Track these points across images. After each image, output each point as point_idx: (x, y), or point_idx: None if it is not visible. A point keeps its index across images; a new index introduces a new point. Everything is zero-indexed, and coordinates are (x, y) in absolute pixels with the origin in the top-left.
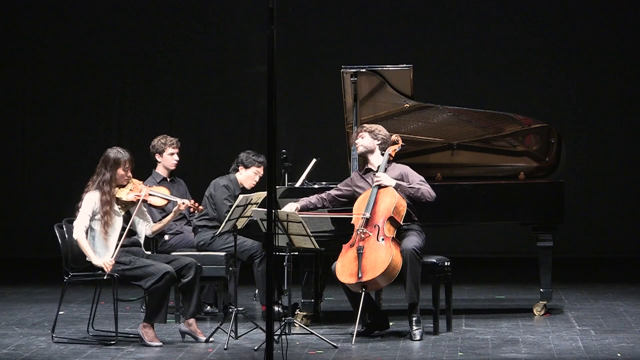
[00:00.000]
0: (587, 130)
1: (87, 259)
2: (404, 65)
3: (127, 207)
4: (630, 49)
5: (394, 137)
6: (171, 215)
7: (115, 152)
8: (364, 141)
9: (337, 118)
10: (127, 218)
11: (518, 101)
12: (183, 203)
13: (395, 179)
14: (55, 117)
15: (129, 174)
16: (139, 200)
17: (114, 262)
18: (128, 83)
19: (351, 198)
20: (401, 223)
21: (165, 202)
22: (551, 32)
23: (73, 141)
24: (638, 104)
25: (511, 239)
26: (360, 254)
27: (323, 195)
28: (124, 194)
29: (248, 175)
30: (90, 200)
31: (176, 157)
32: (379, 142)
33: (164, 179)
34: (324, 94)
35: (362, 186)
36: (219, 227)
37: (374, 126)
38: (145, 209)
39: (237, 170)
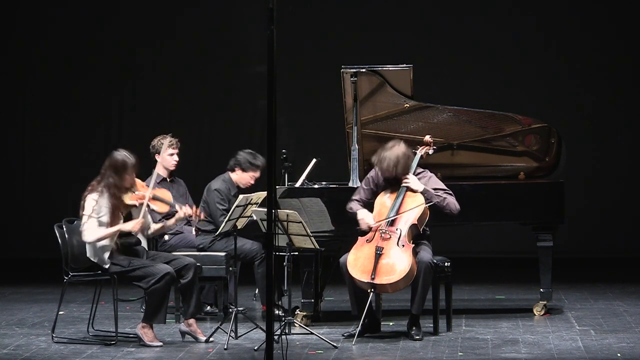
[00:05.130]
0: (587, 131)
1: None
2: (404, 65)
3: (128, 209)
4: (634, 47)
5: (427, 138)
6: (172, 221)
7: (122, 156)
8: None
9: (337, 118)
10: (126, 219)
11: (518, 101)
12: (183, 211)
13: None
14: (55, 117)
15: (134, 177)
16: (141, 204)
17: (143, 220)
18: (128, 83)
19: (377, 195)
20: (421, 232)
21: (167, 208)
22: (552, 31)
23: (73, 141)
24: None
25: (511, 239)
26: (378, 255)
27: (358, 202)
28: (127, 197)
29: (244, 178)
30: (97, 202)
31: (176, 158)
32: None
33: (164, 179)
34: (323, 94)
35: (389, 182)
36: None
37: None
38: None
39: (234, 170)
